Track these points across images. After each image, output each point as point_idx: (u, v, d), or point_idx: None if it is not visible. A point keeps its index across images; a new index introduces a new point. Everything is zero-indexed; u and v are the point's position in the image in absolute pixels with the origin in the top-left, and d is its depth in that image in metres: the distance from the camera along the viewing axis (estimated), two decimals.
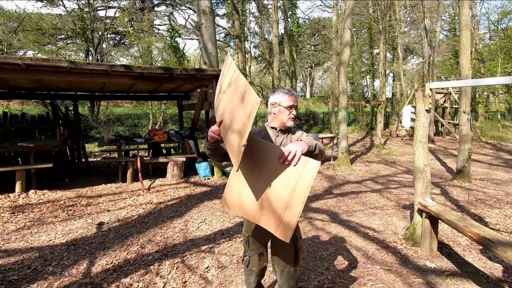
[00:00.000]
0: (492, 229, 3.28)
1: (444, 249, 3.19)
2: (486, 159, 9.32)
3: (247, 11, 22.37)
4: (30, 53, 17.58)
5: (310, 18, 28.74)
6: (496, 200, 4.95)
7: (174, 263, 2.88)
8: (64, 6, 16.24)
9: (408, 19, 22.78)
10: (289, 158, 1.40)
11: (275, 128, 1.79)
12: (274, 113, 1.77)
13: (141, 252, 3.11)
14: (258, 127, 1.87)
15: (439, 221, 2.98)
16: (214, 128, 1.50)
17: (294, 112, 1.74)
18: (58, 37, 19.08)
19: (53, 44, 18.21)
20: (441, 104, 16.04)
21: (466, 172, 6.23)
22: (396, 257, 3.03)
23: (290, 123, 1.75)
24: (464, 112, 6.30)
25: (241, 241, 1.95)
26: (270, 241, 1.91)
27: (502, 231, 3.69)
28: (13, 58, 4.45)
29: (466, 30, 6.20)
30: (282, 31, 17.72)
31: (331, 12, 20.87)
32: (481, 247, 3.10)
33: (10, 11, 15.81)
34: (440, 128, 16.06)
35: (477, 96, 20.13)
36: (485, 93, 20.56)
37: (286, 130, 1.81)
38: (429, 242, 3.05)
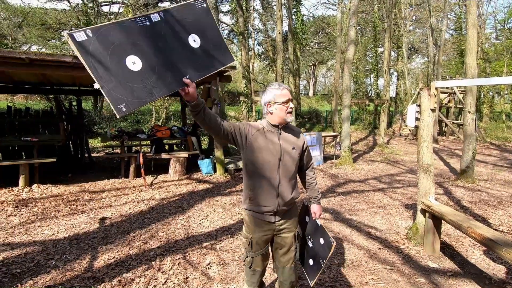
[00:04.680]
0: (495, 230, 3.26)
1: (447, 250, 3.17)
2: (490, 160, 9.24)
3: (251, 8, 22.27)
4: (34, 48, 17.63)
5: (314, 15, 28.59)
6: (500, 201, 4.91)
7: (176, 259, 2.88)
8: (69, 1, 16.18)
9: (414, 17, 22.55)
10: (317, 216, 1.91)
11: (277, 126, 1.76)
12: (272, 112, 1.72)
13: (143, 248, 3.12)
14: (259, 122, 1.82)
15: (442, 221, 2.96)
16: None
17: (291, 105, 1.71)
18: (62, 32, 19.11)
19: (57, 39, 18.22)
20: (445, 103, 15.92)
21: (470, 173, 6.18)
22: (399, 256, 3.01)
23: (289, 118, 1.72)
24: (469, 112, 6.24)
25: (243, 242, 1.88)
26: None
27: (506, 232, 3.66)
28: (17, 53, 4.46)
29: (473, 29, 6.12)
30: (286, 28, 17.64)
31: (336, 9, 20.70)
32: (484, 248, 3.08)
33: (15, 6, 15.85)
34: (444, 128, 15.95)
35: (482, 96, 19.96)
36: (490, 93, 20.39)
37: (287, 127, 1.81)
38: (432, 242, 3.04)
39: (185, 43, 1.53)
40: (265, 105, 1.75)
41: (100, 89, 1.24)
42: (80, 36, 1.18)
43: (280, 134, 1.76)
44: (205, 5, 1.63)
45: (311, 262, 1.85)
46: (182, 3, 1.56)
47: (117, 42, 1.28)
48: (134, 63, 1.32)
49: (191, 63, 1.54)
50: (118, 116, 1.28)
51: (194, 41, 1.56)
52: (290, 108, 1.70)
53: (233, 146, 10.83)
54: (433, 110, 3.21)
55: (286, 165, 1.74)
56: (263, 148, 1.70)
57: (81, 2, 15.30)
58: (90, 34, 1.21)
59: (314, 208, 1.93)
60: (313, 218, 1.92)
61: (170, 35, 1.47)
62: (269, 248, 1.93)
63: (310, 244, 1.90)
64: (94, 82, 1.24)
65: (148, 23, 1.38)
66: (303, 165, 1.92)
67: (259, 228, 1.79)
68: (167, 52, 1.45)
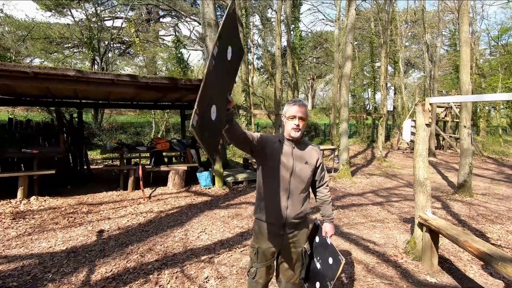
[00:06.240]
0: (493, 244, 3.26)
1: (445, 264, 3.17)
2: (488, 174, 9.29)
3: (251, 23, 22.83)
4: (37, 61, 17.91)
5: (312, 31, 29.24)
6: (498, 215, 4.92)
7: (174, 273, 2.87)
8: (72, 16, 16.60)
9: (409, 34, 23.12)
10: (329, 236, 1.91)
11: (291, 140, 1.79)
12: (284, 125, 1.80)
13: (141, 261, 3.11)
14: (276, 135, 1.86)
15: (440, 235, 2.98)
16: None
17: (296, 122, 1.71)
18: (65, 45, 19.48)
19: (60, 52, 18.55)
20: (442, 117, 16.11)
21: (468, 187, 6.21)
22: (397, 271, 3.01)
23: (293, 134, 1.73)
24: (465, 126, 6.33)
25: (249, 252, 1.89)
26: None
27: (504, 246, 3.66)
28: (22, 67, 4.55)
29: (466, 46, 6.30)
30: (285, 43, 18.02)
31: (333, 26, 21.25)
32: (482, 262, 3.08)
33: (20, 20, 16.20)
34: (441, 142, 16.06)
35: (478, 110, 20.21)
36: (486, 107, 20.66)
37: (301, 142, 1.83)
38: (429, 257, 3.04)
39: (227, 59, 1.39)
40: (281, 116, 1.84)
41: (211, 159, 1.29)
42: (195, 120, 1.11)
43: (294, 148, 1.79)
44: (234, 7, 1.38)
45: (317, 285, 1.83)
46: (224, 19, 1.30)
47: (207, 104, 1.22)
48: (214, 112, 1.27)
49: (229, 77, 1.47)
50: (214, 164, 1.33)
51: (229, 52, 1.41)
52: (295, 124, 1.72)
53: (232, 159, 10.82)
54: (428, 125, 3.29)
55: (297, 179, 1.77)
56: (277, 160, 1.74)
57: (85, 17, 15.69)
58: (198, 112, 1.14)
59: (327, 227, 1.93)
60: (324, 237, 1.92)
61: (222, 60, 1.34)
62: (275, 261, 1.92)
63: (318, 266, 1.88)
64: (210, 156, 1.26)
65: (214, 61, 1.26)
66: (316, 181, 1.94)
67: (267, 239, 1.80)
68: (223, 79, 1.38)
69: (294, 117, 1.73)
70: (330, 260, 1.77)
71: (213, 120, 1.26)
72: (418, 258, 3.22)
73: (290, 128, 1.74)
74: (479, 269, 3.09)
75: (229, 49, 1.39)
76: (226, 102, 1.44)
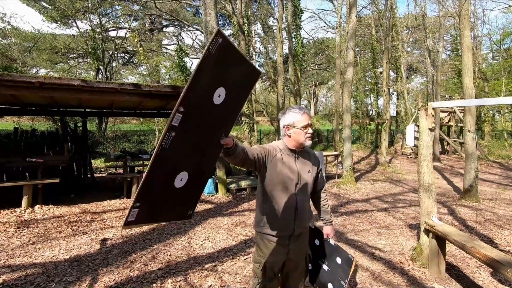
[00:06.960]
0: (502, 250, 3.21)
1: (453, 271, 3.11)
2: (494, 179, 9.17)
3: (253, 31, 23.09)
4: (42, 71, 18.20)
5: (314, 38, 29.48)
6: (506, 221, 4.83)
7: (177, 281, 2.84)
8: (77, 27, 16.95)
9: (411, 39, 23.20)
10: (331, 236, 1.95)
11: (294, 151, 1.74)
12: (289, 136, 1.71)
13: (144, 270, 3.08)
14: (276, 143, 1.77)
15: (447, 241, 2.93)
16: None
17: (310, 130, 1.69)
18: (70, 56, 19.81)
19: (65, 62, 18.87)
20: (446, 122, 16.02)
21: (474, 192, 6.12)
22: (403, 278, 2.95)
23: (308, 143, 1.70)
24: (469, 131, 6.29)
25: (254, 268, 1.82)
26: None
27: None
28: (28, 77, 4.63)
29: (468, 51, 6.30)
30: (287, 50, 18.15)
31: (335, 33, 21.42)
32: (491, 269, 3.02)
33: (26, 32, 16.54)
34: (446, 147, 15.94)
35: (482, 114, 20.09)
36: (491, 111, 20.51)
37: (304, 150, 1.80)
38: (437, 263, 2.98)
39: (213, 105, 1.23)
40: (283, 127, 1.72)
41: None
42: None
43: (297, 158, 1.75)
44: (220, 40, 1.11)
45: (330, 286, 1.82)
46: (196, 66, 1.11)
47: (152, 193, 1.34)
48: (181, 180, 1.30)
49: (223, 121, 1.32)
50: None
51: (218, 96, 1.22)
52: (309, 133, 1.68)
53: (235, 166, 10.81)
54: (431, 130, 3.27)
55: (303, 189, 1.74)
56: (281, 172, 1.68)
57: (89, 28, 15.98)
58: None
59: (327, 230, 1.93)
60: (326, 238, 1.92)
61: (200, 115, 1.20)
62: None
63: (325, 268, 1.86)
64: None
65: (176, 123, 1.20)
66: (316, 186, 1.92)
67: (273, 252, 1.73)
68: (204, 135, 1.27)
69: (307, 125, 1.68)
70: (338, 260, 1.77)
71: (177, 188, 1.26)
72: (425, 265, 3.16)
73: (304, 138, 1.68)
74: (488, 276, 3.02)
75: (219, 91, 1.19)
76: (219, 146, 1.33)
